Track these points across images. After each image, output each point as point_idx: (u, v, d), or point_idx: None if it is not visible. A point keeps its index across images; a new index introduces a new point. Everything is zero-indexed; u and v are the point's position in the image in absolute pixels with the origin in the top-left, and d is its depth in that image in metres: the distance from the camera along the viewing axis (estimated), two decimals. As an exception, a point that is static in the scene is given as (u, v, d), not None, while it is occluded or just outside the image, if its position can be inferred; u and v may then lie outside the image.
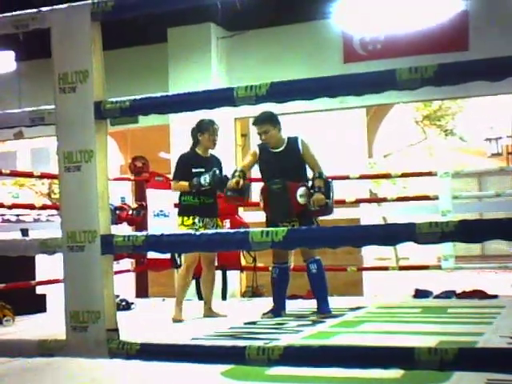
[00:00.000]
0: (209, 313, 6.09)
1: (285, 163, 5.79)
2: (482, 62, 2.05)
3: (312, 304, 6.12)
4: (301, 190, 5.69)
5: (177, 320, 5.88)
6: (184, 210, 6.01)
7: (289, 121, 8.62)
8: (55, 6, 2.48)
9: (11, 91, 10.00)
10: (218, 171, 5.91)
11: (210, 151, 6.15)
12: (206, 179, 5.81)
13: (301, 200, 5.67)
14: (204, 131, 6.02)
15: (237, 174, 5.78)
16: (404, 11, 8.13)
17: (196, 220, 5.91)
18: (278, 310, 5.83)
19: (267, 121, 5.82)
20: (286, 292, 5.98)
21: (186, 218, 5.94)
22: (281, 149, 5.87)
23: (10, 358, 3.17)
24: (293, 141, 5.89)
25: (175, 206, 6.70)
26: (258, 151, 5.96)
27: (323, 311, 5.76)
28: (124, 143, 16.34)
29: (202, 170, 5.90)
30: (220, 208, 7.69)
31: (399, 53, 8.15)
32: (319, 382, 3.18)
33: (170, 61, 8.96)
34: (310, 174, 5.94)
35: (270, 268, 5.98)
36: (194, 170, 5.92)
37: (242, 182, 5.70)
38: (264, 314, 5.82)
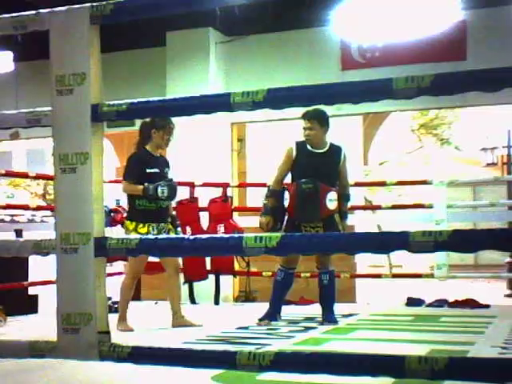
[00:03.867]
0: (180, 322, 5.67)
1: (324, 165, 5.61)
2: (479, 73, 2.06)
3: (304, 310, 6.13)
4: (331, 195, 5.55)
5: (128, 329, 5.50)
6: (138, 215, 5.51)
7: (285, 126, 8.62)
8: (54, 9, 2.49)
9: (8, 92, 10.00)
10: (173, 181, 5.59)
11: (160, 151, 5.78)
12: (163, 192, 5.40)
13: (330, 205, 5.53)
14: (159, 128, 5.55)
15: (269, 207, 5.64)
16: (403, 20, 8.15)
17: (151, 228, 5.49)
18: (273, 314, 5.74)
19: (317, 118, 5.59)
20: (284, 297, 5.92)
21: (140, 226, 5.47)
22: (323, 150, 5.67)
23: (1, 358, 3.17)
24: (336, 148, 5.72)
25: (129, 210, 5.75)
26: (294, 151, 5.67)
27: (328, 319, 5.73)
28: (120, 145, 16.33)
29: (157, 170, 5.52)
30: (214, 212, 7.71)
31: (397, 61, 8.17)
32: (310, 388, 3.18)
33: (168, 65, 8.97)
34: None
35: (276, 270, 5.89)
36: (148, 171, 5.50)
37: (271, 223, 5.57)
38: (260, 321, 5.71)
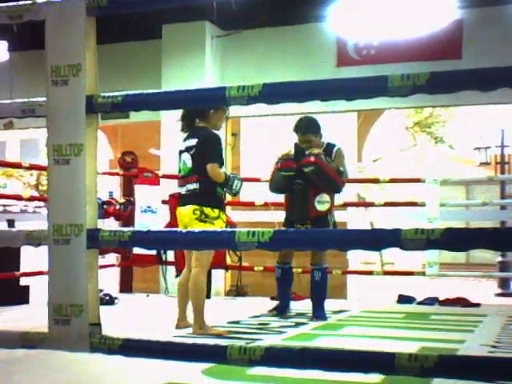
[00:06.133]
0: (186, 324, 5.14)
1: None
2: (474, 72, 2.06)
3: (297, 305, 6.14)
4: (320, 196, 5.71)
5: (221, 333, 4.89)
6: (220, 202, 5.02)
7: (279, 122, 8.62)
8: (51, -1, 2.48)
9: (3, 81, 9.96)
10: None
11: None
12: (237, 185, 5.00)
13: (318, 206, 5.70)
14: (218, 108, 5.01)
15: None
16: (399, 18, 8.15)
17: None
18: (282, 308, 6.02)
19: (310, 130, 5.75)
20: (289, 290, 6.15)
21: (222, 213, 4.97)
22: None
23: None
24: (330, 146, 5.86)
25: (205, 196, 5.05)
26: (293, 152, 5.81)
27: (318, 316, 5.79)
28: (114, 138, 16.31)
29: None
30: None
31: (393, 59, 8.17)
32: (299, 383, 3.19)
33: (163, 58, 8.94)
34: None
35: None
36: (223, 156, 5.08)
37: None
38: (269, 311, 6.03)
